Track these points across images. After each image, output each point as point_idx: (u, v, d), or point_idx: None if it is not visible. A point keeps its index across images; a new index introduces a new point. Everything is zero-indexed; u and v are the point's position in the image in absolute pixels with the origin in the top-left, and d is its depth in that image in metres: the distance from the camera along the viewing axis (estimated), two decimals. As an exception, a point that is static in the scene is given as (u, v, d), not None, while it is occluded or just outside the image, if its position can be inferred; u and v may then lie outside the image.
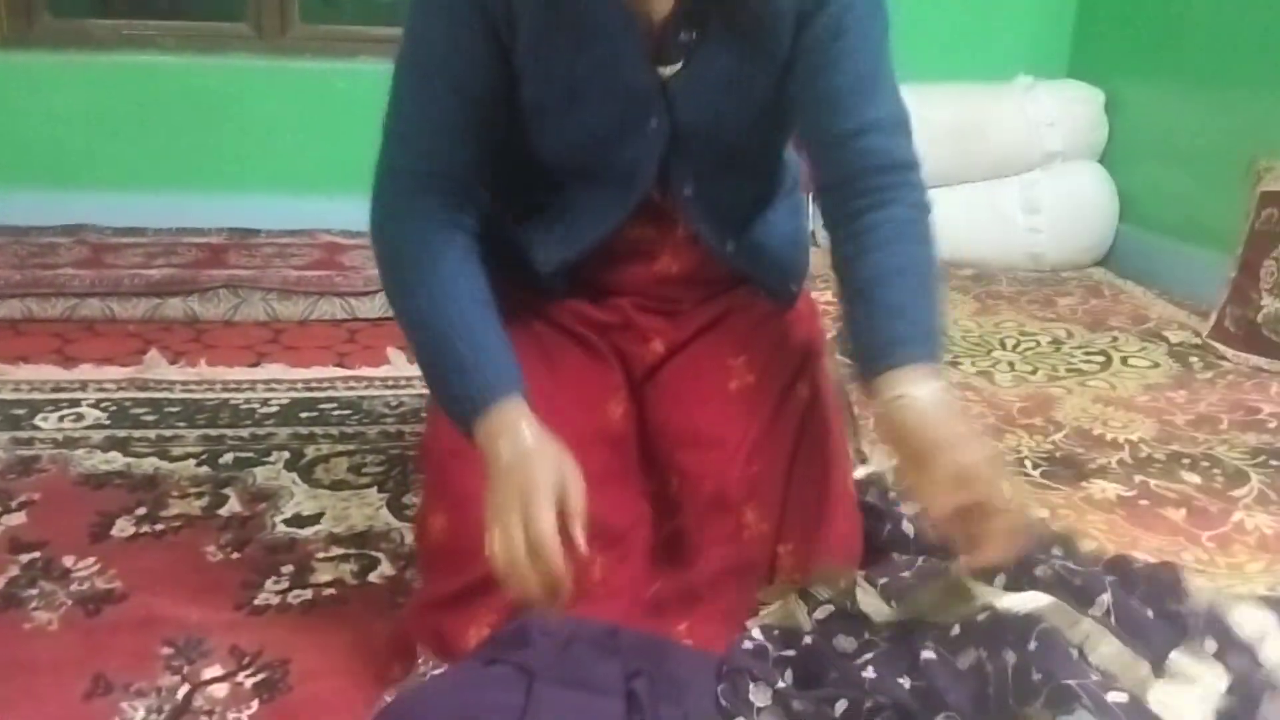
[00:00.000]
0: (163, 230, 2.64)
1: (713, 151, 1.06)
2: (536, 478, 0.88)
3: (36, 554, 1.23)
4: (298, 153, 2.74)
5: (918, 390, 0.93)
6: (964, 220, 2.67)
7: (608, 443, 1.09)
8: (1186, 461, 1.50)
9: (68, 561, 1.22)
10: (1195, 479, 1.44)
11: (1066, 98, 2.72)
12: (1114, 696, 0.86)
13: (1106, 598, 0.93)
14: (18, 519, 1.31)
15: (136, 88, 2.73)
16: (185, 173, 2.73)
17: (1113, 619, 0.92)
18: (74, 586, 1.17)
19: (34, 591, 1.16)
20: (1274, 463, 1.50)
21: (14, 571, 1.19)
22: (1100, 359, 1.97)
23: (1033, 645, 0.88)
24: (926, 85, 2.72)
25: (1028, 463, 1.48)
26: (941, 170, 2.65)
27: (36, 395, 1.70)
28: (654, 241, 1.13)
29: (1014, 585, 0.97)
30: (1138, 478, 1.44)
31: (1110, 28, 2.78)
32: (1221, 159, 2.28)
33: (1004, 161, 2.69)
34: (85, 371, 1.80)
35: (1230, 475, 1.46)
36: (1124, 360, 1.96)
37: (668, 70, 1.01)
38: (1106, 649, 0.90)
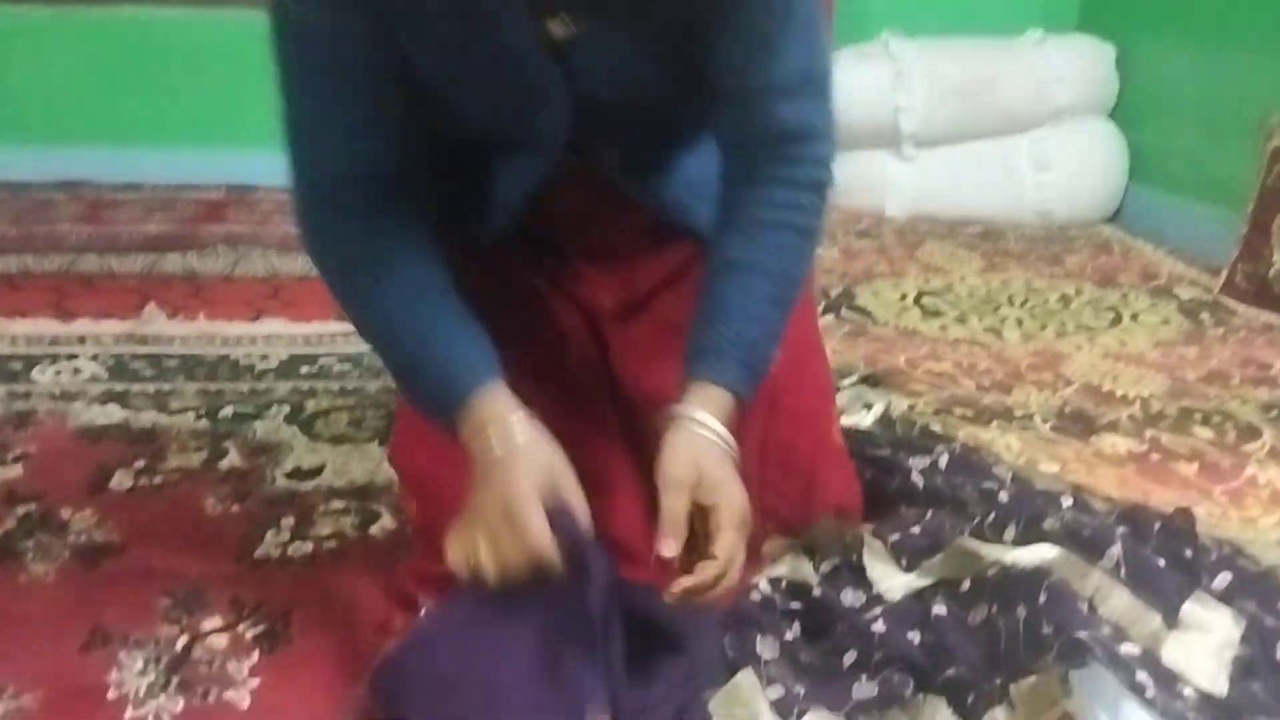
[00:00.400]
0: (161, 186, 2.61)
1: (629, 116, 0.96)
2: (523, 481, 0.83)
3: (33, 506, 1.22)
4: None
5: (684, 427, 0.88)
6: (972, 177, 2.65)
7: (578, 399, 1.05)
8: (1198, 416, 1.48)
9: (65, 514, 1.20)
10: (1207, 434, 1.42)
11: (1076, 53, 2.68)
12: (1126, 649, 0.84)
13: (1116, 549, 0.91)
14: (14, 472, 1.30)
15: (134, 42, 2.69)
16: (183, 128, 2.70)
17: (1123, 570, 0.90)
18: (71, 539, 1.16)
19: (30, 544, 1.15)
20: (1286, 418, 1.48)
21: (10, 524, 1.18)
22: (1110, 315, 1.94)
23: (1043, 599, 0.86)
24: (935, 40, 2.69)
25: (1037, 418, 1.46)
26: (950, 127, 2.63)
27: (33, 349, 1.68)
28: (589, 205, 1.05)
29: (1023, 539, 0.95)
30: (1149, 433, 1.42)
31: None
32: (1232, 115, 2.25)
33: (1013, 117, 2.65)
34: (83, 325, 1.78)
35: (1242, 430, 1.44)
36: (1134, 317, 1.94)
37: (560, 33, 0.89)
38: (1117, 601, 0.89)
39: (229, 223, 2.34)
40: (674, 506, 0.84)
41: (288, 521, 1.20)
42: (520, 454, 0.84)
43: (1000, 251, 2.37)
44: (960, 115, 2.63)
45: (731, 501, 0.85)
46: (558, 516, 0.82)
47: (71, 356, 1.65)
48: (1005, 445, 1.35)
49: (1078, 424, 1.44)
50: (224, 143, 2.70)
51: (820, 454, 1.08)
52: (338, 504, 1.24)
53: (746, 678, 0.87)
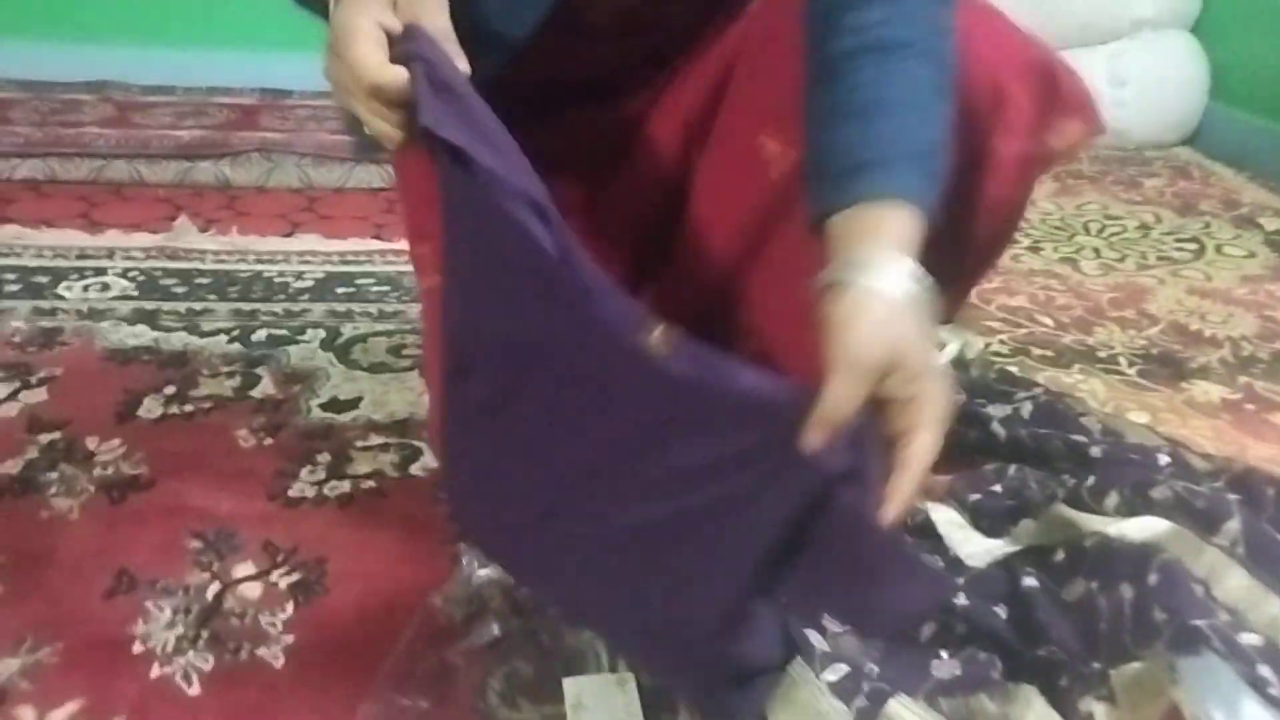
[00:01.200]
0: (193, 89, 2.51)
1: None
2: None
3: (57, 434, 1.16)
4: (332, 8, 2.59)
5: (870, 275, 0.66)
6: (1042, 92, 2.49)
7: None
8: (1294, 363, 1.38)
9: (90, 444, 1.14)
10: (1305, 382, 1.32)
11: (1160, -41, 2.49)
12: (1246, 638, 0.76)
13: (1235, 524, 0.82)
14: (38, 396, 1.24)
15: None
16: (216, 29, 2.58)
17: (1241, 548, 0.82)
18: (97, 471, 1.10)
19: (54, 475, 1.09)
20: (1391, 366, 1.37)
21: (32, 454, 1.12)
22: (1193, 247, 1.82)
23: (1153, 579, 0.78)
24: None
25: (1122, 360, 1.36)
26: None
27: (60, 262, 1.61)
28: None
29: (1129, 509, 0.86)
30: (1241, 378, 1.32)
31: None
32: None
33: (1089, 28, 2.48)
34: (112, 238, 1.71)
35: (1344, 379, 1.33)
36: (1218, 249, 1.81)
37: None
38: (1234, 582, 0.80)
39: (262, 129, 2.24)
40: (844, 395, 0.63)
41: (323, 458, 1.13)
42: None
43: (1073, 173, 2.24)
44: (1034, 24, 2.46)
45: (935, 394, 0.66)
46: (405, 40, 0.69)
47: (100, 271, 1.58)
48: (1090, 391, 1.26)
49: (1166, 368, 1.34)
50: (257, 45, 2.59)
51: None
52: (376, 439, 1.17)
53: (798, 671, 0.78)
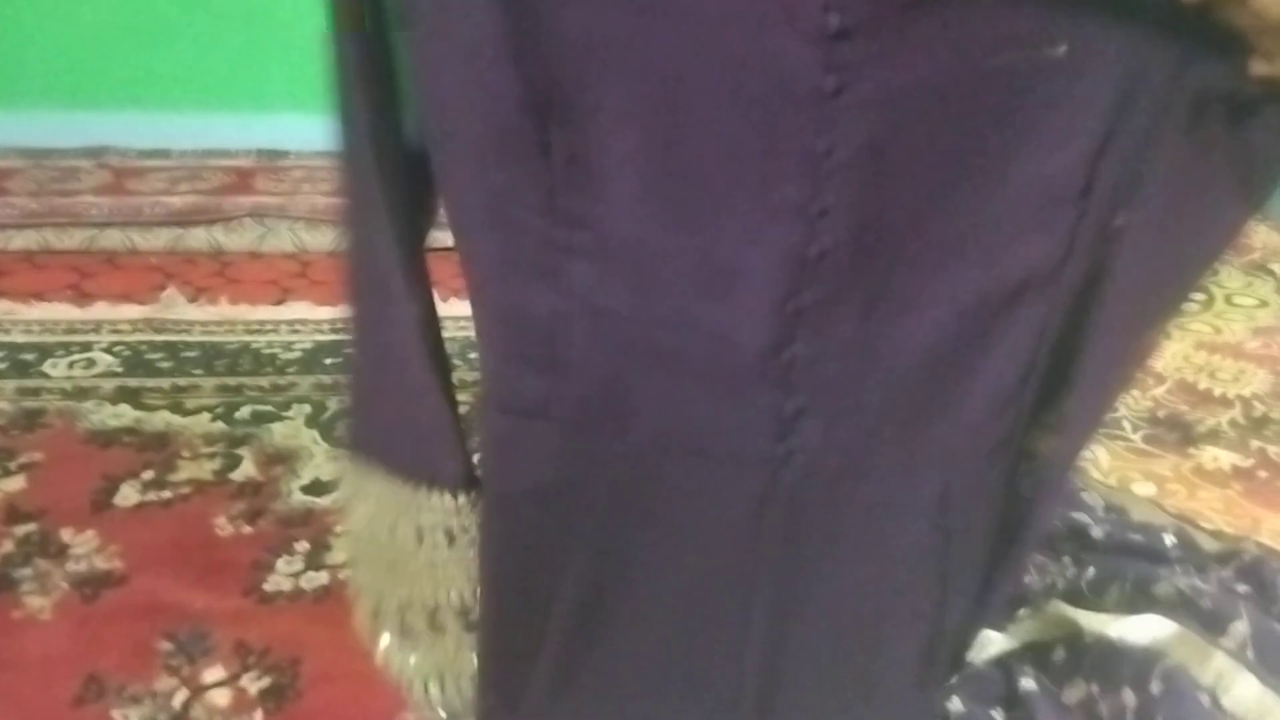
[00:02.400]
0: (188, 152, 2.51)
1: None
2: None
3: (34, 526, 1.13)
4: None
5: None
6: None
7: None
8: (1308, 423, 1.33)
9: (66, 535, 1.12)
10: (1321, 445, 1.28)
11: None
12: (1257, 751, 0.72)
13: (1243, 625, 0.78)
14: (17, 483, 1.21)
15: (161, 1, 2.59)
16: (212, 90, 2.59)
17: (1250, 651, 0.77)
18: (71, 565, 1.07)
19: (28, 571, 1.06)
20: None
21: (9, 547, 1.10)
22: (1201, 297, 1.78)
23: (1155, 687, 0.74)
24: None
25: (1127, 424, 1.32)
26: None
27: (48, 337, 1.59)
28: None
29: (1130, 605, 0.82)
30: (1254, 443, 1.28)
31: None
32: None
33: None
34: (100, 310, 1.69)
35: (1360, 441, 1.29)
36: (1228, 298, 1.77)
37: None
38: (1244, 690, 0.76)
39: (257, 193, 2.23)
40: None
41: (302, 545, 1.11)
42: None
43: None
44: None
45: None
46: None
47: (86, 347, 1.56)
48: (1093, 459, 1.22)
49: (1174, 431, 1.30)
50: (255, 105, 2.60)
51: None
52: (356, 526, 1.14)
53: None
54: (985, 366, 0.66)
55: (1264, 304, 1.75)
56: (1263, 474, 1.21)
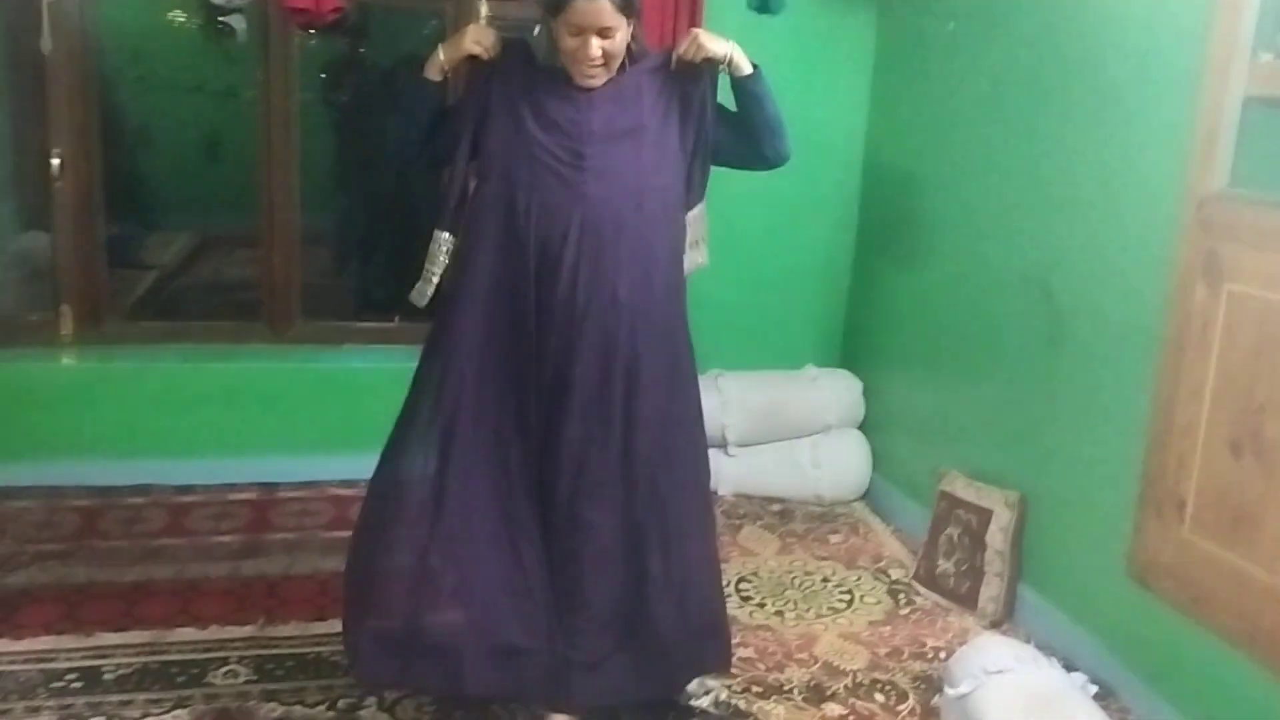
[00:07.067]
0: (210, 486, 3.67)
1: None
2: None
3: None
4: (311, 420, 3.80)
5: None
6: (773, 469, 3.96)
7: None
8: (879, 686, 2.75)
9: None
10: (880, 699, 2.70)
11: (838, 384, 4.05)
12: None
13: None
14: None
15: (184, 377, 3.76)
16: (223, 441, 3.76)
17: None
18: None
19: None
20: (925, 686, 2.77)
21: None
22: (847, 598, 3.24)
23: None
24: (746, 373, 4.02)
25: (795, 692, 2.70)
26: (757, 434, 3.95)
27: (202, 656, 2.73)
28: None
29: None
30: (851, 700, 2.68)
31: (866, 333, 4.13)
32: (939, 434, 3.62)
33: (797, 428, 3.99)
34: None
35: (900, 693, 2.71)
36: (861, 598, 3.23)
37: None
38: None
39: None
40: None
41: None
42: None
43: (791, 532, 3.67)
44: (764, 427, 3.96)
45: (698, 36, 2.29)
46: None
47: (231, 663, 2.71)
48: (777, 715, 2.58)
49: (816, 694, 2.70)
50: (252, 451, 3.78)
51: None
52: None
53: None
54: None
55: (878, 602, 3.22)
56: (851, 717, 2.61)
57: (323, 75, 6.15)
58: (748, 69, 2.31)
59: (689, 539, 2.42)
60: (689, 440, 2.44)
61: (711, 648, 2.53)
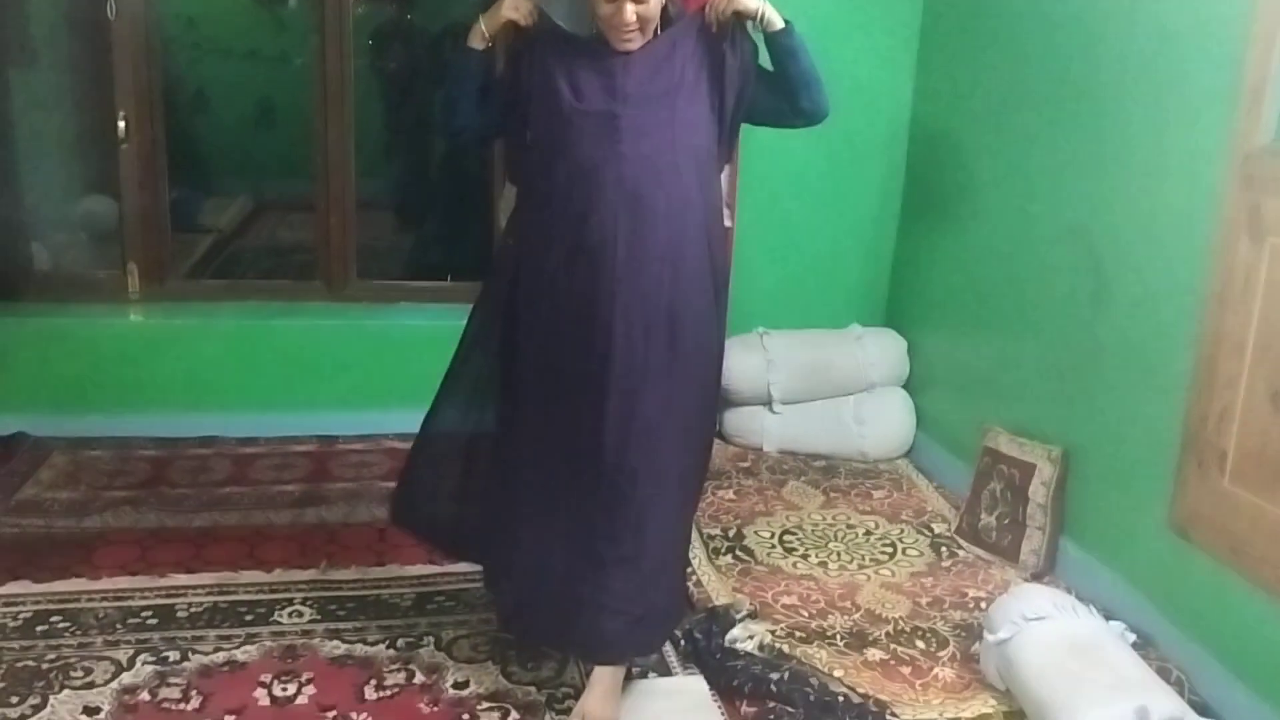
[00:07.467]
0: (272, 439, 3.80)
1: None
2: None
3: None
4: (367, 376, 3.93)
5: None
6: (817, 426, 4.02)
7: None
8: (919, 632, 2.82)
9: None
10: (920, 645, 2.77)
11: (883, 342, 4.09)
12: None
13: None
14: None
15: (245, 334, 3.89)
16: (283, 395, 3.89)
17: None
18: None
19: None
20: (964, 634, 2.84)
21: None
22: (889, 550, 3.30)
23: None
24: (791, 332, 4.08)
25: (838, 638, 2.78)
26: (802, 392, 4.01)
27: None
28: None
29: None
30: (894, 646, 2.75)
31: (911, 292, 4.17)
32: (982, 392, 3.66)
33: (842, 386, 4.04)
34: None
35: (940, 641, 2.78)
36: (904, 551, 3.30)
37: None
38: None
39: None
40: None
41: None
42: None
43: (834, 487, 3.74)
44: (808, 385, 4.02)
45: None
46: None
47: (296, 603, 2.84)
48: (819, 658, 2.66)
49: (858, 640, 2.77)
50: (312, 405, 3.91)
51: None
52: None
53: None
54: None
55: (921, 554, 3.28)
56: (892, 662, 2.68)
57: (369, 42, 6.23)
58: (780, 24, 2.34)
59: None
60: (704, 401, 2.52)
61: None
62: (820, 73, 2.40)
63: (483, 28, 2.38)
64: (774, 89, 2.41)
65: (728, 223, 2.53)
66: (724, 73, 2.36)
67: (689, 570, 2.67)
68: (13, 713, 2.31)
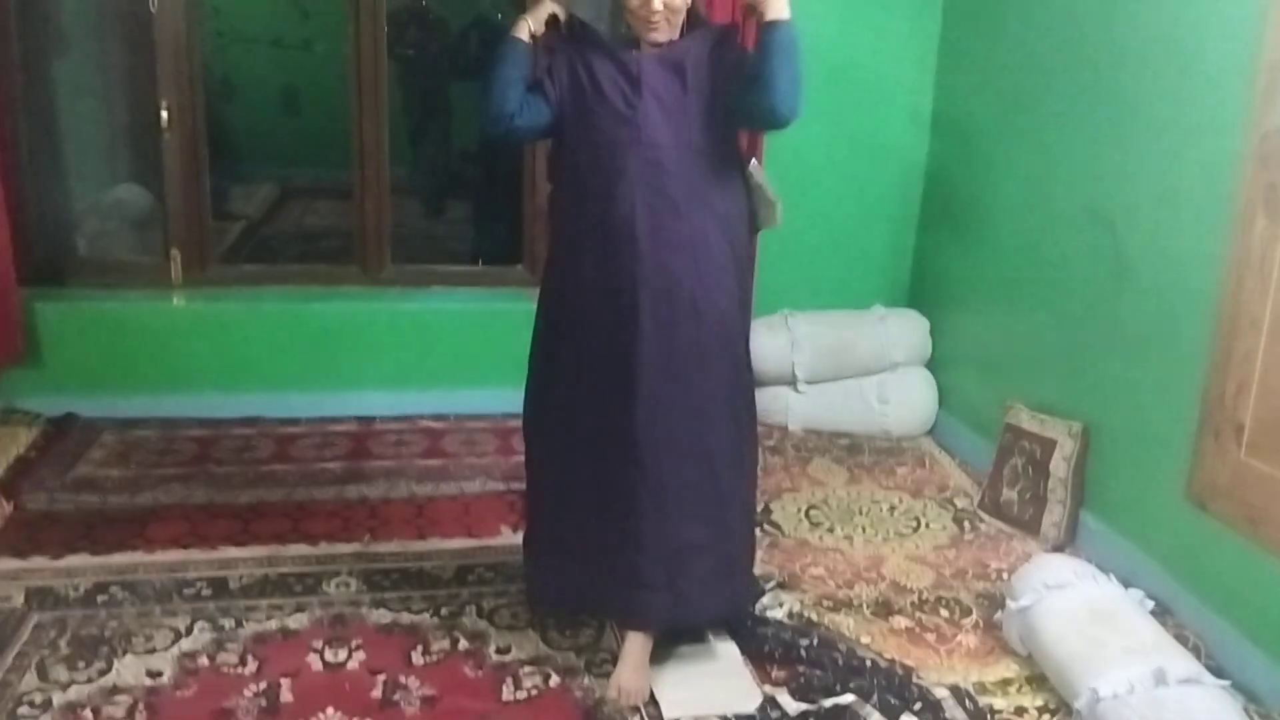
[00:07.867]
0: (312, 419, 3.92)
1: None
2: None
3: None
4: (404, 358, 4.04)
5: None
6: (841, 405, 4.11)
7: None
8: (944, 602, 2.91)
9: (404, 678, 2.53)
10: (944, 613, 2.86)
11: (905, 323, 4.17)
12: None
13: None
14: (362, 654, 2.61)
15: (285, 317, 4.00)
16: (322, 376, 4.00)
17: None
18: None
19: None
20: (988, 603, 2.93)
21: None
22: (913, 524, 3.39)
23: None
24: (815, 313, 4.16)
25: (864, 607, 2.88)
26: (826, 372, 4.10)
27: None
28: None
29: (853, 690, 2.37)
30: (918, 615, 2.85)
31: (932, 273, 4.24)
32: (1002, 373, 3.74)
33: (866, 366, 4.12)
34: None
35: (963, 609, 2.88)
36: (927, 525, 3.39)
37: None
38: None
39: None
40: None
41: None
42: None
43: (858, 464, 3.83)
44: (832, 365, 4.10)
45: None
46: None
47: (342, 575, 2.96)
48: (846, 625, 2.76)
49: (884, 609, 2.87)
50: (349, 386, 4.02)
51: None
52: None
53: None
54: None
55: (944, 528, 3.37)
56: (917, 630, 2.78)
57: (385, 27, 6.32)
58: (786, 13, 2.34)
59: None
60: (734, 382, 2.58)
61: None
62: (802, 77, 2.35)
63: (529, 22, 2.48)
64: (752, 83, 2.36)
65: (774, 220, 2.61)
66: (726, 77, 2.43)
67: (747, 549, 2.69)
68: (80, 676, 2.43)
